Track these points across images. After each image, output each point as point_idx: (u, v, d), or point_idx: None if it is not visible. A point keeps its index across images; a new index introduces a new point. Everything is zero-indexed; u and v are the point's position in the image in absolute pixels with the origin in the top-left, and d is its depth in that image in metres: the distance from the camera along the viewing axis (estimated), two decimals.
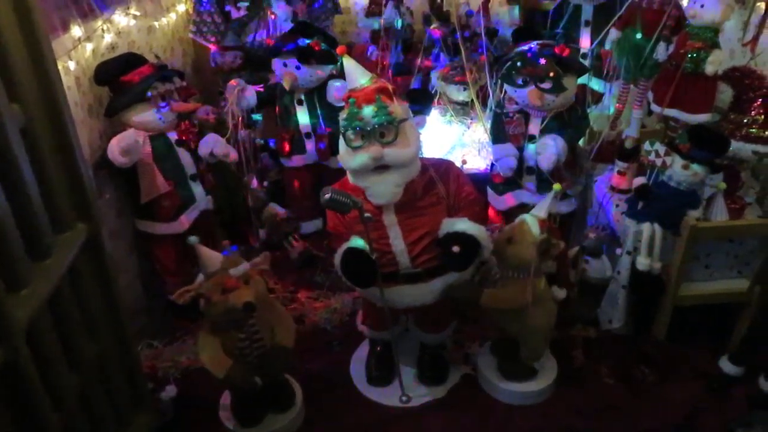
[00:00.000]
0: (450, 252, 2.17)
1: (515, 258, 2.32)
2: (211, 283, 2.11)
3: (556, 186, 2.43)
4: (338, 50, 2.20)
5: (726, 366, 2.61)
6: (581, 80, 3.21)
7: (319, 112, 3.36)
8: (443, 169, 2.34)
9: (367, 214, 2.12)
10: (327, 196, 2.04)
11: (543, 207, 2.38)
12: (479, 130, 3.58)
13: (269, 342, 2.23)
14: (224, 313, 2.09)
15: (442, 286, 2.32)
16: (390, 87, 2.18)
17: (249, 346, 2.19)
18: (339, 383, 2.70)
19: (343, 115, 2.15)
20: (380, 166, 2.12)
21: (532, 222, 2.32)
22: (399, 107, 2.14)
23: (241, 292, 2.07)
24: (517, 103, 2.94)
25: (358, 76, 2.16)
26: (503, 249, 2.33)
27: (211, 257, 2.16)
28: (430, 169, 2.30)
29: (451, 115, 3.69)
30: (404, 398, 2.58)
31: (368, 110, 2.08)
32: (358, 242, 2.22)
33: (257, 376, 2.25)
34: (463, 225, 2.20)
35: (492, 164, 3.15)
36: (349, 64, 2.18)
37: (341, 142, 2.19)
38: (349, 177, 2.25)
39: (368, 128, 2.08)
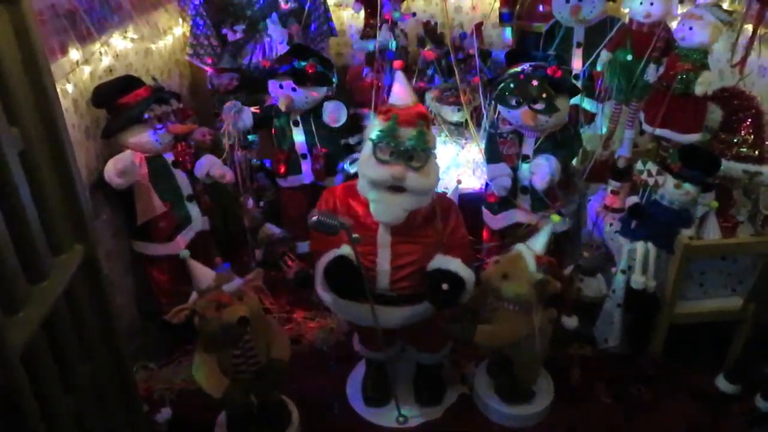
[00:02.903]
0: (437, 287, 2.17)
1: (511, 294, 2.28)
2: (205, 300, 2.11)
3: (555, 217, 2.42)
4: (395, 64, 2.22)
5: (722, 384, 2.61)
6: (574, 101, 3.25)
7: (314, 132, 3.39)
8: (446, 206, 2.36)
9: (355, 235, 2.10)
10: (314, 218, 2.03)
11: (540, 241, 2.34)
12: (474, 150, 3.61)
13: (264, 358, 2.23)
14: (219, 330, 2.09)
15: (409, 315, 2.31)
16: (430, 116, 2.19)
17: (244, 363, 2.18)
18: (335, 404, 2.68)
19: (379, 125, 2.14)
20: (397, 187, 2.13)
21: (528, 256, 2.28)
22: (433, 138, 2.18)
23: (235, 308, 2.08)
24: (510, 124, 2.97)
25: (405, 95, 2.19)
26: (498, 284, 2.28)
27: (204, 273, 2.17)
28: (435, 202, 2.31)
29: (446, 136, 3.72)
30: (401, 419, 2.57)
31: (408, 132, 2.10)
32: (348, 250, 2.18)
33: (253, 393, 2.23)
34: (457, 267, 2.20)
35: (487, 184, 3.17)
36: (400, 80, 2.21)
37: (366, 149, 2.19)
38: (360, 185, 2.24)
39: (402, 148, 2.10)
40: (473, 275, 2.26)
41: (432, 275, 2.21)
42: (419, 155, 2.12)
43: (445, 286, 2.16)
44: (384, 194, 2.15)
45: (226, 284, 2.15)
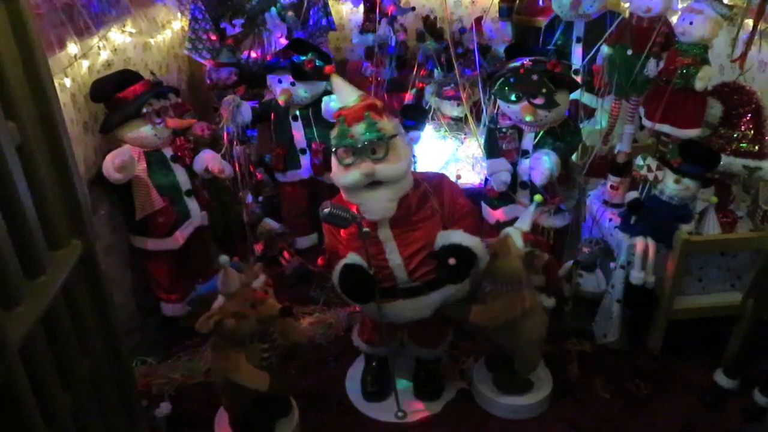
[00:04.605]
0: (446, 264, 2.18)
1: (502, 272, 2.32)
2: (238, 301, 2.10)
3: (537, 197, 2.45)
4: (326, 69, 2.24)
5: (721, 379, 2.61)
6: (573, 96, 3.25)
7: (313, 127, 3.38)
8: (436, 182, 2.36)
9: (365, 229, 2.13)
10: (326, 210, 2.06)
11: (525, 220, 2.40)
12: (473, 145, 3.61)
13: (286, 347, 2.26)
14: (258, 325, 2.11)
15: (440, 299, 2.32)
16: (379, 103, 2.20)
17: (272, 355, 2.21)
18: (335, 399, 2.69)
19: (333, 133, 2.18)
20: (373, 182, 2.14)
21: (515, 235, 2.33)
22: (388, 123, 2.17)
23: (271, 302, 2.11)
24: (510, 119, 2.96)
25: (347, 94, 2.20)
26: (490, 264, 2.33)
27: (235, 277, 2.14)
28: (424, 183, 2.32)
29: (446, 131, 3.71)
30: (400, 414, 2.57)
31: (358, 128, 2.11)
32: (354, 258, 2.22)
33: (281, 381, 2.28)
34: (459, 237, 2.21)
35: (486, 179, 3.17)
36: (337, 82, 2.21)
37: (333, 159, 2.21)
38: (343, 194, 2.26)
39: (359, 145, 2.11)
40: (479, 241, 2.26)
41: (438, 254, 2.22)
42: (378, 144, 2.12)
43: (451, 261, 2.16)
44: (365, 193, 2.17)
45: (254, 281, 2.16)
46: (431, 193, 2.31)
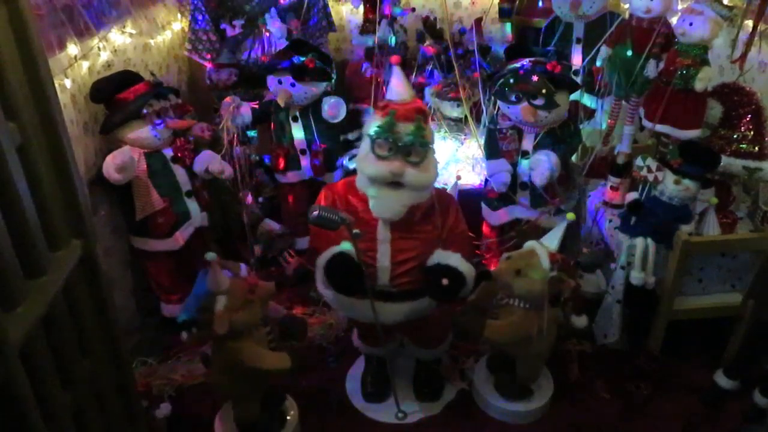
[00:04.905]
0: (437, 282, 2.17)
1: (523, 290, 2.26)
2: (239, 292, 2.12)
3: (570, 215, 2.40)
4: (392, 60, 2.23)
5: (721, 380, 2.61)
6: (573, 96, 3.25)
7: (313, 128, 3.38)
8: (445, 201, 2.36)
9: (356, 231, 2.11)
10: (315, 213, 2.04)
11: (555, 238, 2.33)
12: (473, 146, 3.61)
13: (279, 327, 2.32)
14: (262, 309, 2.18)
15: (409, 310, 2.31)
16: (428, 111, 2.19)
17: (274, 337, 2.26)
18: (335, 399, 2.68)
19: (377, 121, 2.14)
20: (396, 182, 2.13)
21: (542, 254, 2.25)
22: (431, 132, 2.18)
23: (264, 284, 2.18)
24: (510, 120, 2.97)
25: (403, 90, 2.18)
26: (511, 280, 2.26)
27: (223, 274, 2.15)
28: (435, 198, 2.31)
29: (446, 131, 3.71)
30: (400, 415, 2.57)
31: (406, 127, 2.09)
32: (348, 246, 2.19)
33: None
34: (457, 261, 2.20)
35: (486, 180, 3.17)
36: (397, 75, 2.19)
37: (364, 145, 2.19)
38: (359, 181, 2.24)
39: (400, 143, 2.09)
40: (473, 270, 2.26)
41: (432, 270, 2.21)
42: (417, 150, 2.12)
43: (445, 281, 2.16)
44: (383, 190, 2.15)
45: (240, 271, 2.20)
46: (437, 210, 2.29)
